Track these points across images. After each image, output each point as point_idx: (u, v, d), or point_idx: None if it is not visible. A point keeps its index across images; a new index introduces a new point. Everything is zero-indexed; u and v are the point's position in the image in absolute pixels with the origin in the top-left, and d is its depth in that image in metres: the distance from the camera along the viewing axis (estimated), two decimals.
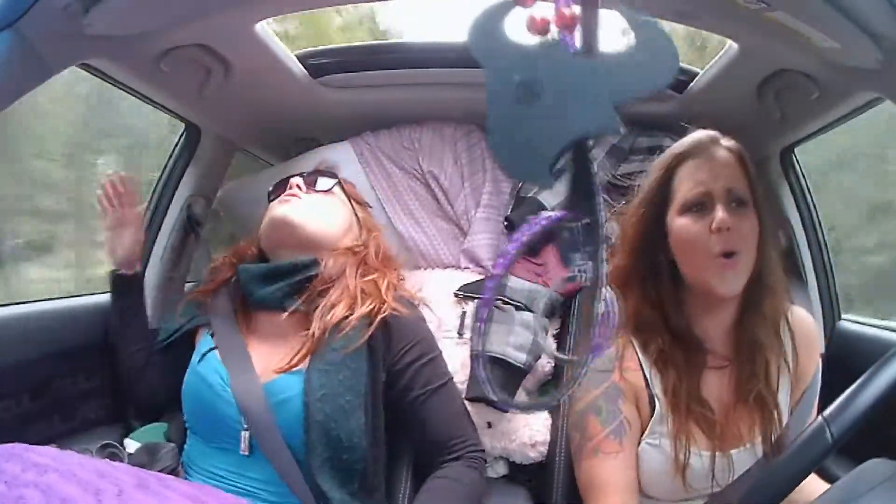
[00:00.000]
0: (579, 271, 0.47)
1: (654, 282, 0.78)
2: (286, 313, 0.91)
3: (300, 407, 0.82)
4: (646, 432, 0.78)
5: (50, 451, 0.66)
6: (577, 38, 0.40)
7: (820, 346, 0.86)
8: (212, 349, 0.90)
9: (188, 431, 0.91)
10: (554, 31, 0.40)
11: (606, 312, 0.46)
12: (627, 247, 0.81)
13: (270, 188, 1.05)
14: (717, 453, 0.76)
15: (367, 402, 0.86)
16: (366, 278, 0.94)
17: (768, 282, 0.77)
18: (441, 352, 0.96)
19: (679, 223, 0.76)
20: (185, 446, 0.91)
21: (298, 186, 0.99)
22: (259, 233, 1.00)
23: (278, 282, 0.92)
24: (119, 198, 1.01)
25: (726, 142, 0.78)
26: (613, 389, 0.78)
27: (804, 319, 0.85)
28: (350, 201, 1.04)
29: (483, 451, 0.94)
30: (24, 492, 0.59)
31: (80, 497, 0.60)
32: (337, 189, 1.04)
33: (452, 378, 0.95)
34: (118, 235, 1.02)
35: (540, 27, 0.40)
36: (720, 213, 0.73)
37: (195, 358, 0.92)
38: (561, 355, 0.49)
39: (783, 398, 0.80)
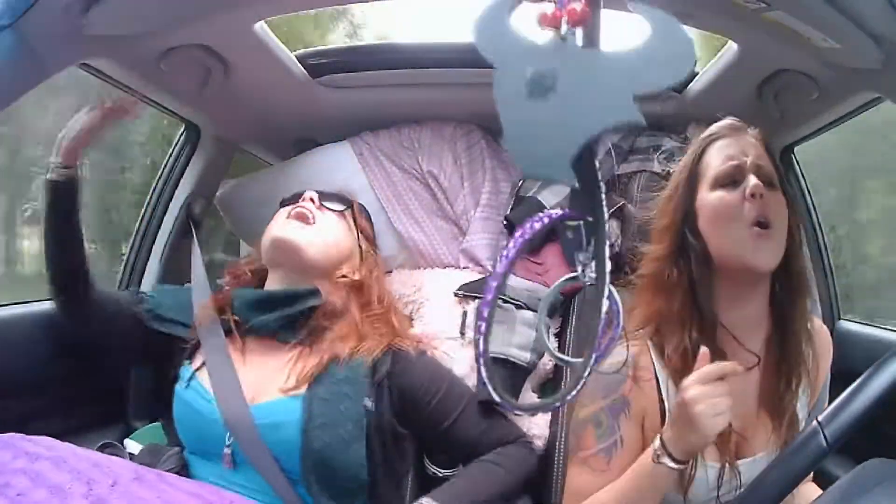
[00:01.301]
0: (582, 270, 0.46)
1: (685, 270, 0.76)
2: (287, 345, 0.89)
3: (298, 434, 0.81)
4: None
5: (45, 440, 0.66)
6: (588, 34, 0.39)
7: (831, 355, 0.84)
8: (195, 374, 0.89)
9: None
10: (565, 26, 0.39)
11: (612, 311, 0.45)
12: (660, 237, 0.80)
13: (286, 196, 1.03)
14: (725, 465, 0.73)
15: (369, 432, 0.84)
16: (372, 315, 0.95)
17: (797, 269, 0.77)
18: (450, 371, 0.98)
19: (712, 197, 0.76)
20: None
21: (312, 200, 0.97)
22: (261, 244, 0.97)
23: (275, 311, 0.90)
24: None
25: (751, 129, 0.81)
26: (619, 403, 0.76)
27: (821, 328, 0.85)
28: (357, 232, 1.03)
29: (525, 434, 0.97)
30: (12, 479, 0.58)
31: (70, 485, 0.59)
32: (347, 214, 1.02)
33: (470, 389, 0.96)
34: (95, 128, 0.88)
35: (552, 21, 0.39)
36: (753, 179, 0.73)
37: (180, 384, 0.89)
38: (565, 357, 0.48)
39: (802, 407, 0.78)
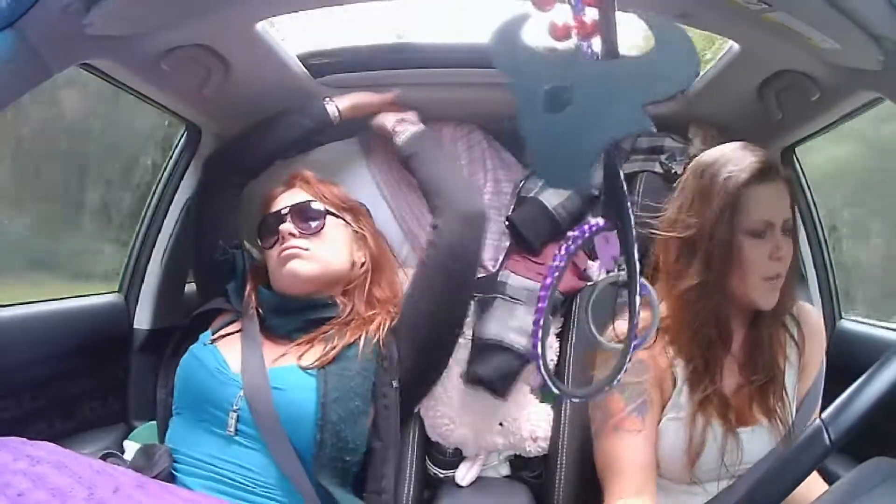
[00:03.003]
0: (618, 270, 0.50)
1: (703, 286, 0.80)
2: (296, 341, 0.95)
3: (314, 406, 0.85)
4: (666, 408, 0.80)
5: (47, 445, 0.66)
6: (598, 44, 0.41)
7: (824, 340, 0.91)
8: (214, 343, 0.93)
9: (173, 415, 0.92)
10: (575, 37, 0.41)
11: (650, 301, 0.50)
12: (708, 264, 0.81)
13: (257, 227, 1.04)
14: (728, 431, 0.79)
15: (373, 408, 0.91)
16: (374, 310, 1.00)
17: (787, 285, 0.83)
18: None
19: (745, 244, 0.80)
20: (168, 432, 0.92)
21: (291, 234, 0.97)
22: (269, 276, 1.01)
23: (292, 315, 0.96)
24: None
25: (784, 171, 0.83)
26: (639, 365, 0.79)
27: (810, 313, 0.91)
28: (344, 217, 1.04)
29: None
30: (12, 479, 0.59)
31: (71, 488, 0.60)
32: (328, 220, 1.01)
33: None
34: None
35: (561, 33, 0.41)
36: (781, 244, 0.79)
37: (197, 345, 0.94)
38: (607, 342, 0.50)
39: (790, 384, 0.84)
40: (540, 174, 0.45)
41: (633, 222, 0.46)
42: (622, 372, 0.49)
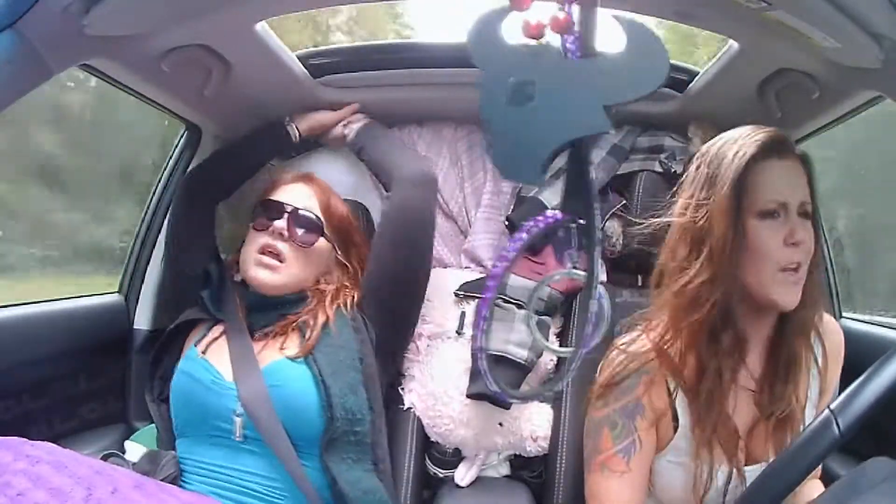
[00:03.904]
0: (573, 269, 0.49)
1: (712, 282, 0.72)
2: (270, 336, 0.95)
3: (315, 391, 0.86)
4: (666, 450, 0.77)
5: (46, 445, 0.67)
6: (571, 42, 0.41)
7: (842, 358, 0.83)
8: (202, 354, 0.93)
9: (177, 436, 0.92)
10: (548, 35, 0.41)
11: (599, 310, 0.48)
12: (708, 256, 0.73)
13: (256, 205, 1.03)
14: (734, 470, 0.74)
15: (364, 378, 0.92)
16: (343, 291, 1.01)
17: (811, 289, 0.75)
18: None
19: (756, 227, 0.73)
20: (177, 452, 0.91)
21: (280, 234, 0.97)
22: (240, 260, 1.01)
23: (269, 311, 0.97)
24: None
25: (799, 148, 0.76)
26: (634, 406, 0.76)
27: (835, 330, 0.84)
28: (333, 243, 1.03)
29: None
30: (12, 479, 0.59)
31: (70, 489, 0.60)
32: (319, 241, 1.01)
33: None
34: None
35: (535, 31, 0.41)
36: (797, 227, 0.72)
37: (185, 361, 0.94)
38: (555, 347, 0.49)
39: (810, 412, 0.79)
40: (495, 164, 0.45)
41: (598, 220, 0.45)
42: (567, 378, 0.48)
